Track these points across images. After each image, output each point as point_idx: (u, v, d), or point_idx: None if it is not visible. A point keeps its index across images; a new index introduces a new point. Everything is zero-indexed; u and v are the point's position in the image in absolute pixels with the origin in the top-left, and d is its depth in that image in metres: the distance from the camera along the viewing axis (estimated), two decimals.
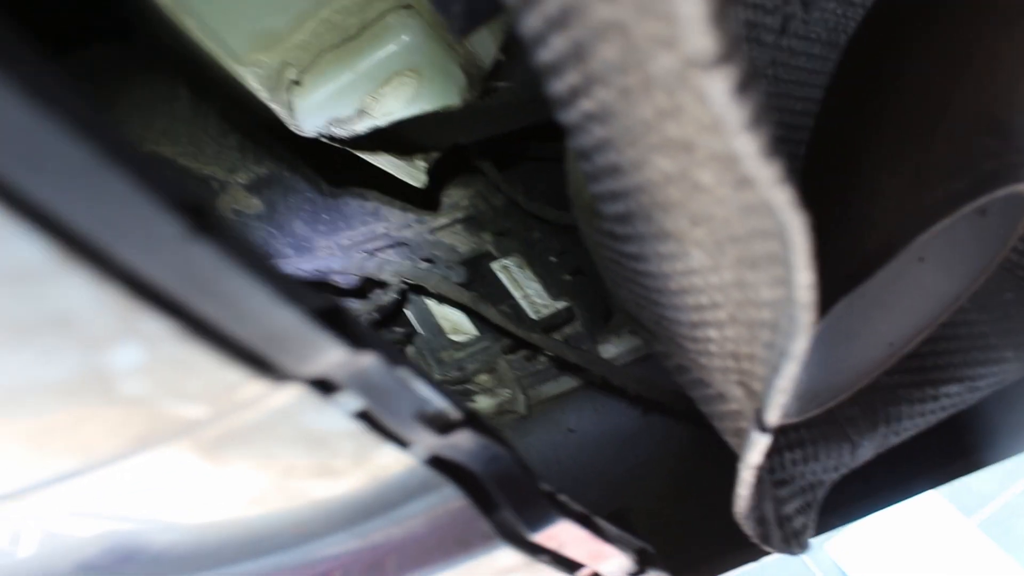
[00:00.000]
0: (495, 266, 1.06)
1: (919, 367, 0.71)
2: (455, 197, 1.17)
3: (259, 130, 1.06)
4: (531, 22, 0.31)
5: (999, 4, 0.49)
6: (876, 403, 0.69)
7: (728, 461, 0.54)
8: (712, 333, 0.45)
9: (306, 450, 0.37)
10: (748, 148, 0.25)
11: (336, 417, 0.36)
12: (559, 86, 0.34)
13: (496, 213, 1.15)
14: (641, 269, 0.45)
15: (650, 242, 0.41)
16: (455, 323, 1.00)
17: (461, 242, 1.12)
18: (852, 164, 0.54)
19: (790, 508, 0.63)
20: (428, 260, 1.06)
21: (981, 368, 0.72)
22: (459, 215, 1.15)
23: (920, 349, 0.71)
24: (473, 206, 1.16)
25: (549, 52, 0.32)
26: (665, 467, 0.89)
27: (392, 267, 1.00)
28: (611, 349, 0.98)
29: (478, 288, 1.03)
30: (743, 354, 0.44)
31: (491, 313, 0.95)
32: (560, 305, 1.00)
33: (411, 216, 1.14)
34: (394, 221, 1.14)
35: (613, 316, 1.01)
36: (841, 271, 0.50)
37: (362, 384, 0.35)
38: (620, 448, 0.93)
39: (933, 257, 0.60)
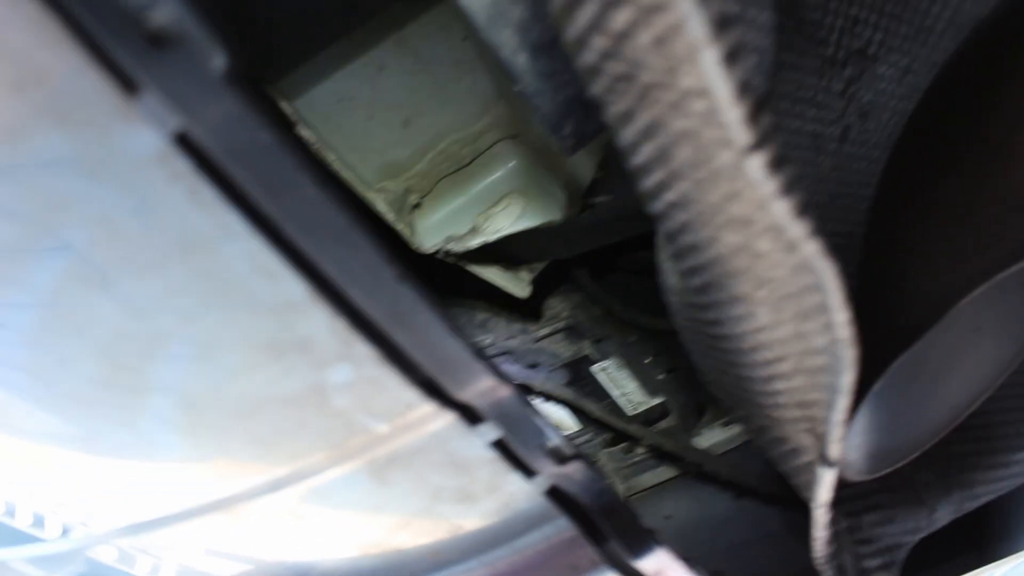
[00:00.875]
0: (594, 368, 1.16)
1: (990, 435, 0.77)
2: (556, 308, 1.28)
3: None
4: (627, 135, 0.41)
5: (1004, 108, 0.59)
6: (950, 469, 0.76)
7: None
8: (781, 385, 0.53)
9: (452, 474, 0.47)
10: (783, 209, 0.35)
11: (478, 445, 0.45)
12: (648, 183, 0.44)
13: (594, 321, 1.25)
14: (719, 333, 0.54)
15: (725, 307, 0.50)
16: (558, 420, 1.09)
17: (562, 349, 1.22)
18: (903, 244, 0.63)
19: (870, 563, 0.69)
20: (532, 366, 1.17)
21: None
22: (560, 325, 1.25)
23: (990, 419, 0.78)
24: (573, 316, 1.26)
25: (640, 157, 0.43)
26: (758, 547, 0.95)
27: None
28: (704, 441, 1.06)
29: (579, 388, 1.12)
30: (808, 401, 0.52)
31: (592, 408, 1.04)
32: (655, 401, 1.09)
33: (516, 327, 1.25)
34: (500, 332, 1.24)
35: (705, 411, 1.09)
36: (895, 336, 0.58)
37: (500, 415, 0.44)
38: (715, 531, 0.99)
39: (989, 327, 0.67)
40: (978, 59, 0.70)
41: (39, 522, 0.57)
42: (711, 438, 1.06)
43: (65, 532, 0.55)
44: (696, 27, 0.28)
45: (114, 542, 0.54)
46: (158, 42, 0.27)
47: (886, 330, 0.62)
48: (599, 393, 1.12)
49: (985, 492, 0.76)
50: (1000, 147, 0.59)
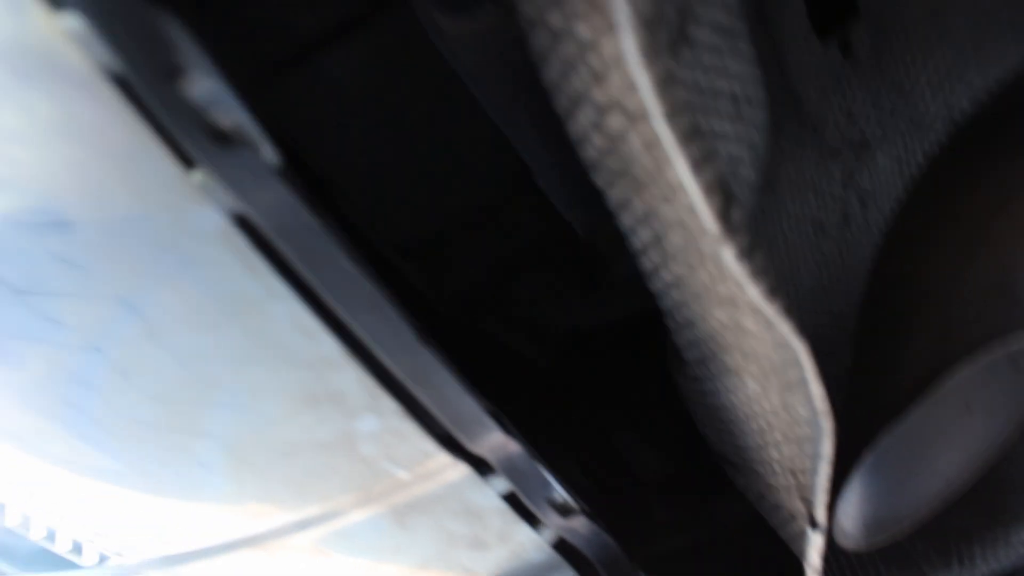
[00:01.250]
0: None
1: (990, 512, 0.80)
2: None
3: None
4: (626, 220, 0.47)
5: (985, 196, 0.64)
6: (951, 543, 0.79)
7: None
8: (773, 453, 0.58)
9: (466, 521, 0.52)
10: (755, 292, 0.40)
11: (490, 496, 0.50)
12: (647, 263, 0.49)
13: None
14: (716, 403, 0.59)
15: (719, 378, 0.55)
16: None
17: None
18: (892, 322, 0.67)
19: None
20: None
21: None
22: None
23: (992, 497, 0.81)
24: None
25: (639, 240, 0.48)
26: None
27: None
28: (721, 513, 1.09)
29: None
30: (798, 469, 0.56)
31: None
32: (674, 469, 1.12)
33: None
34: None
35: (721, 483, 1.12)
36: (885, 411, 0.62)
37: (510, 469, 0.49)
38: None
39: (979, 406, 0.71)
40: (963, 150, 0.75)
41: (77, 549, 0.62)
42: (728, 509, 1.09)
43: (103, 560, 0.60)
44: (668, 138, 0.34)
45: (150, 572, 0.59)
46: (222, 139, 0.33)
47: (877, 404, 0.66)
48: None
49: (986, 567, 0.79)
50: (980, 233, 0.64)
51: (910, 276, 0.69)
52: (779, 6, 0.69)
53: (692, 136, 0.34)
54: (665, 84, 0.33)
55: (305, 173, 0.62)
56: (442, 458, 0.46)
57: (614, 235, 0.56)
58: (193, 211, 0.34)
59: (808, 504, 0.58)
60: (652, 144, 0.37)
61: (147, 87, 0.30)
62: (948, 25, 0.80)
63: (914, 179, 0.81)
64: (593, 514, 0.54)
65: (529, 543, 0.54)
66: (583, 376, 1.32)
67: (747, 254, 0.38)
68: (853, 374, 0.76)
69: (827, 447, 0.49)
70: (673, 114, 0.33)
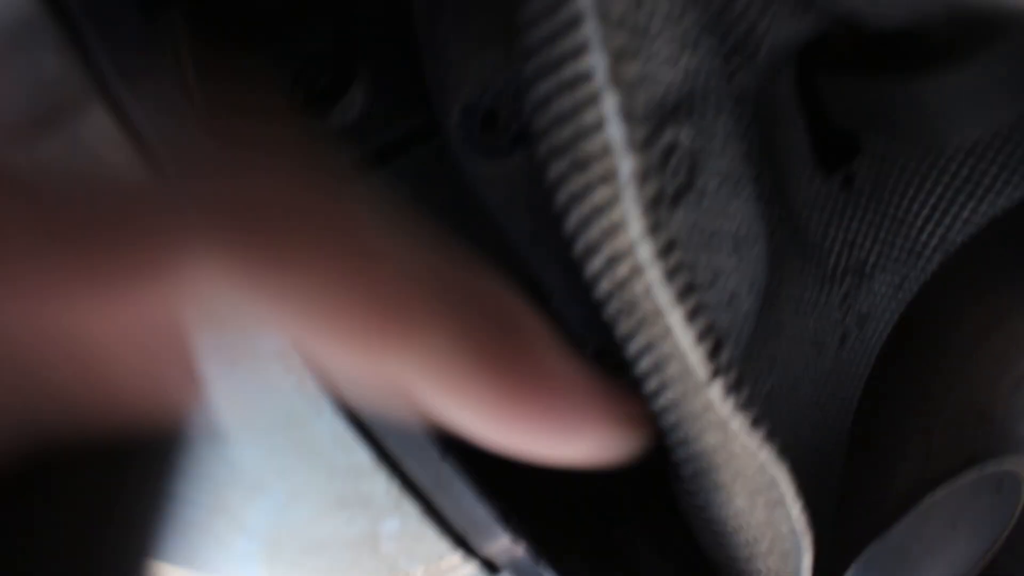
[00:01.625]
0: None
1: None
2: None
3: None
4: (630, 350, 0.52)
5: (969, 325, 0.69)
6: None
7: None
8: (761, 564, 0.62)
9: None
10: (739, 424, 0.45)
11: None
12: (647, 387, 0.54)
13: None
14: (708, 516, 0.63)
15: (710, 493, 0.59)
16: None
17: None
18: (879, 443, 0.72)
19: None
20: None
21: None
22: None
23: None
24: None
25: (641, 367, 0.53)
26: None
27: None
28: None
29: None
30: None
31: None
32: None
33: None
34: None
35: None
36: (870, 527, 0.67)
37: (514, 569, 0.54)
38: None
39: (963, 525, 0.75)
40: (953, 278, 0.81)
41: None
42: None
43: None
44: (663, 295, 0.40)
45: None
46: None
47: (865, 519, 0.70)
48: None
49: None
50: (963, 360, 0.69)
51: (898, 398, 0.74)
52: (785, 147, 0.76)
53: (685, 294, 0.40)
54: (662, 253, 0.38)
55: None
56: (454, 558, 0.50)
57: (619, 356, 0.61)
58: (259, 337, 0.40)
59: None
60: (650, 290, 0.42)
61: None
62: (944, 162, 0.86)
63: (909, 303, 0.86)
64: None
65: None
66: (591, 475, 1.36)
67: (733, 390, 0.43)
68: (844, 487, 0.80)
69: (806, 562, 0.53)
70: (669, 277, 0.39)
